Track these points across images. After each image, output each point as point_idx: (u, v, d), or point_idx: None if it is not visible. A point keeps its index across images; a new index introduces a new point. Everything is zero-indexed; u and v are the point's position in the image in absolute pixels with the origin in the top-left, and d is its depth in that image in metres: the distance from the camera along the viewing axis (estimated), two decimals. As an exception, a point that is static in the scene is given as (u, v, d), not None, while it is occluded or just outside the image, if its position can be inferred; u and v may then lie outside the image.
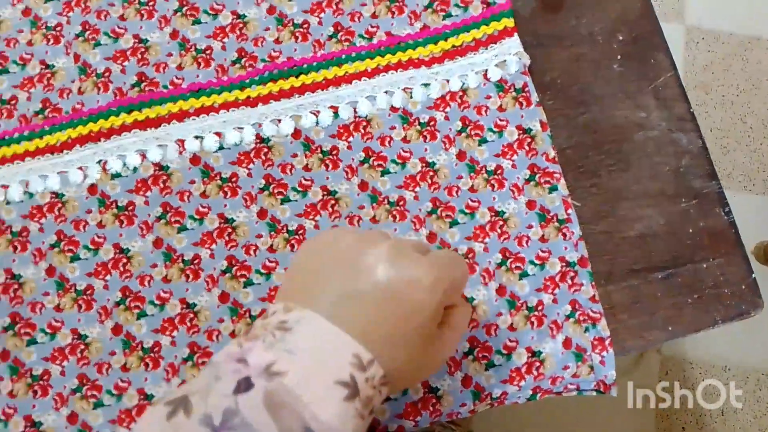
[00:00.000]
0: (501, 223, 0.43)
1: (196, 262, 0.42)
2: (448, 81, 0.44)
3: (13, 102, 0.44)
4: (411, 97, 0.44)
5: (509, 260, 0.42)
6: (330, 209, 0.43)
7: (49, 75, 0.44)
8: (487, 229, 0.43)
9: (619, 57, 0.46)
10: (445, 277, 0.33)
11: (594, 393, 0.41)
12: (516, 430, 1.02)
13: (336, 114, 0.44)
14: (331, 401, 0.29)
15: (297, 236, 0.43)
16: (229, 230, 0.43)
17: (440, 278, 0.32)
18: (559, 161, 0.43)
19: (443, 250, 0.40)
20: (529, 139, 0.43)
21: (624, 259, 0.43)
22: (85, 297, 0.42)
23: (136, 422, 0.40)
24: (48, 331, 0.42)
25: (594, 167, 0.44)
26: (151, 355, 0.41)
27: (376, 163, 0.43)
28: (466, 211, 0.43)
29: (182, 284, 0.42)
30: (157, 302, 0.42)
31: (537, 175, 0.43)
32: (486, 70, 0.44)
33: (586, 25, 0.46)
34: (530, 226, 0.43)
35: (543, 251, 0.42)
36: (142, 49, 0.44)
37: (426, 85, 0.44)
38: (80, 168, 0.43)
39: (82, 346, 0.41)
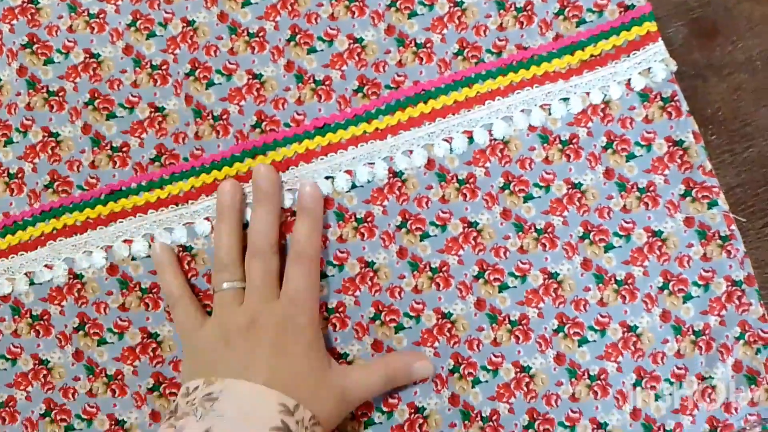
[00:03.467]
0: (659, 243, 0.40)
1: (341, 310, 0.40)
2: (588, 94, 0.41)
3: (125, 149, 0.42)
4: (550, 114, 0.41)
5: (671, 283, 0.40)
6: (473, 242, 0.41)
7: (160, 118, 0.42)
8: (645, 252, 0.40)
9: None
10: (315, 299, 0.39)
11: None
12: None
13: (471, 139, 0.41)
14: None
15: (441, 274, 0.40)
16: (371, 274, 0.40)
17: (314, 300, 0.38)
18: (728, 201, 0.40)
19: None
20: (681, 152, 0.40)
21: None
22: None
23: None
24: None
25: (765, 205, 0.41)
26: None
27: (517, 189, 0.41)
28: (621, 233, 0.40)
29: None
30: None
31: (693, 190, 0.40)
32: (629, 80, 0.41)
33: (743, 49, 0.42)
34: (690, 245, 0.40)
35: (706, 271, 0.40)
36: (257, 86, 0.42)
37: (565, 99, 0.41)
38: (207, 219, 0.41)
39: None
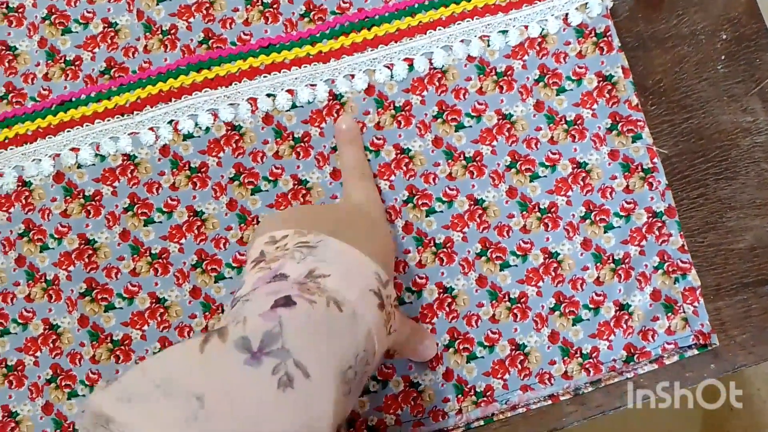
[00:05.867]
0: (583, 175, 0.41)
1: (273, 222, 0.41)
2: (526, 27, 0.42)
3: (77, 63, 0.43)
4: (488, 45, 0.42)
5: (593, 213, 0.41)
6: (404, 168, 0.42)
7: (112, 33, 0.43)
8: (570, 182, 0.41)
9: (723, 57, 0.43)
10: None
11: (696, 351, 0.40)
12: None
13: (411, 66, 0.42)
14: (369, 307, 0.30)
15: (374, 194, 0.42)
16: (304, 192, 0.42)
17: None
18: (665, 170, 0.41)
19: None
20: (609, 87, 0.42)
21: (733, 273, 0.42)
22: (160, 261, 0.41)
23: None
24: (125, 295, 0.41)
25: (700, 176, 0.42)
26: None
27: (450, 118, 0.42)
28: (547, 164, 0.42)
29: (260, 245, 0.41)
30: (234, 265, 0.41)
31: (619, 124, 0.42)
32: (566, 14, 0.42)
33: (687, 23, 0.43)
34: (614, 177, 0.41)
35: (628, 202, 0.41)
36: (207, 5, 0.43)
37: (504, 32, 0.42)
38: (151, 129, 0.42)
39: (162, 310, 0.41)
